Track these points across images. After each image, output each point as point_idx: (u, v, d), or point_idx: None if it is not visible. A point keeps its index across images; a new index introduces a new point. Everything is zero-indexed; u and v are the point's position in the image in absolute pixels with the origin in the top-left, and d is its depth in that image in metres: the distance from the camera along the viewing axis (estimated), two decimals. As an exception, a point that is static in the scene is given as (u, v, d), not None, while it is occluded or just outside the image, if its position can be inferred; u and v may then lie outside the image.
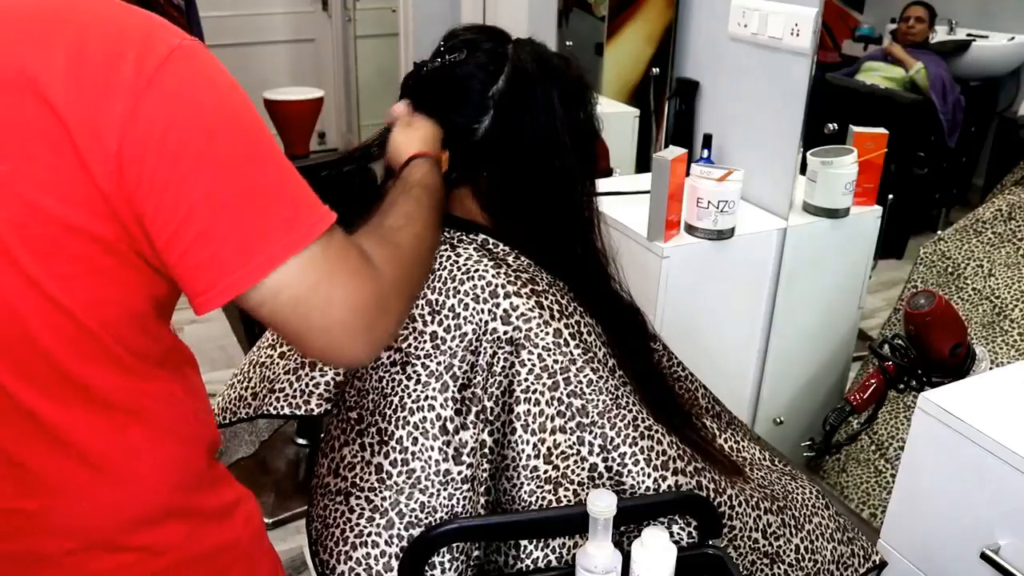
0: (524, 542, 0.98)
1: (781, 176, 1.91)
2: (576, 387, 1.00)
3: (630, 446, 1.01)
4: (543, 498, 0.98)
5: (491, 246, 1.06)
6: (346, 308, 0.69)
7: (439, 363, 1.00)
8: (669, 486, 1.02)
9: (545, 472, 0.98)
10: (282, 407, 1.10)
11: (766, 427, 2.04)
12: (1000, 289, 1.70)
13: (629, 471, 1.01)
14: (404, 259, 0.80)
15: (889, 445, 1.72)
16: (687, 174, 1.77)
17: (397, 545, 0.97)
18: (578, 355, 1.01)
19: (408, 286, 0.81)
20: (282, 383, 1.12)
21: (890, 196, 1.91)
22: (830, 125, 1.96)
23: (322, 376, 1.09)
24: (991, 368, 1.39)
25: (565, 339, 1.01)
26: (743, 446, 1.28)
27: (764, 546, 1.10)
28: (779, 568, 1.12)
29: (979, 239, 1.80)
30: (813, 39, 1.77)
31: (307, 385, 1.10)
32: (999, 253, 1.75)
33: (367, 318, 0.71)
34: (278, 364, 1.15)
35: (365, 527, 0.98)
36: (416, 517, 0.97)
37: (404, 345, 1.02)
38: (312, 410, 1.09)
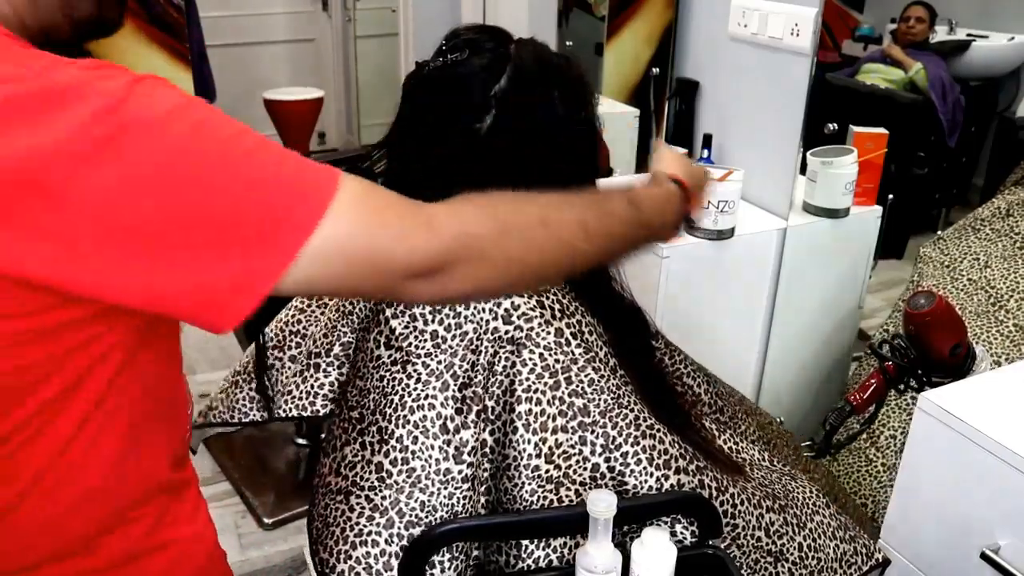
0: (525, 542, 0.98)
1: (781, 176, 1.91)
2: (578, 386, 1.00)
3: (632, 445, 1.01)
4: (544, 498, 0.98)
5: (492, 246, 1.06)
6: (391, 253, 0.65)
7: (440, 362, 1.00)
8: (672, 485, 1.02)
9: (547, 472, 0.98)
10: (290, 409, 1.11)
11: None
12: (996, 280, 1.71)
13: (631, 470, 1.01)
14: (491, 224, 0.71)
15: (880, 434, 1.72)
16: (687, 174, 1.77)
17: (397, 544, 0.97)
18: (579, 354, 1.01)
19: (495, 247, 0.71)
20: (289, 386, 1.13)
21: (890, 196, 1.91)
22: (830, 125, 1.97)
23: (326, 377, 1.11)
24: (991, 367, 1.39)
25: (567, 338, 1.01)
26: (743, 446, 1.28)
27: (767, 544, 1.10)
28: (783, 566, 1.12)
29: (977, 236, 1.80)
30: (813, 39, 1.77)
31: (312, 387, 1.11)
32: (996, 247, 1.75)
33: (422, 266, 0.66)
34: (288, 368, 1.16)
35: (365, 526, 0.98)
36: (416, 516, 0.97)
37: (405, 344, 1.02)
38: (318, 411, 1.10)
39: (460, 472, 0.98)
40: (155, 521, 0.79)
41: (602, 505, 0.88)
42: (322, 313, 1.19)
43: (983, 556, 1.09)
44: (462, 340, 1.00)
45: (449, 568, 0.97)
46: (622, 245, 0.85)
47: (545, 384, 0.99)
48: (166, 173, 0.58)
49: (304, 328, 1.20)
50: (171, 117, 0.60)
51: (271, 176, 0.62)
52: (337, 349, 1.14)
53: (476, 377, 0.99)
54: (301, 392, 1.12)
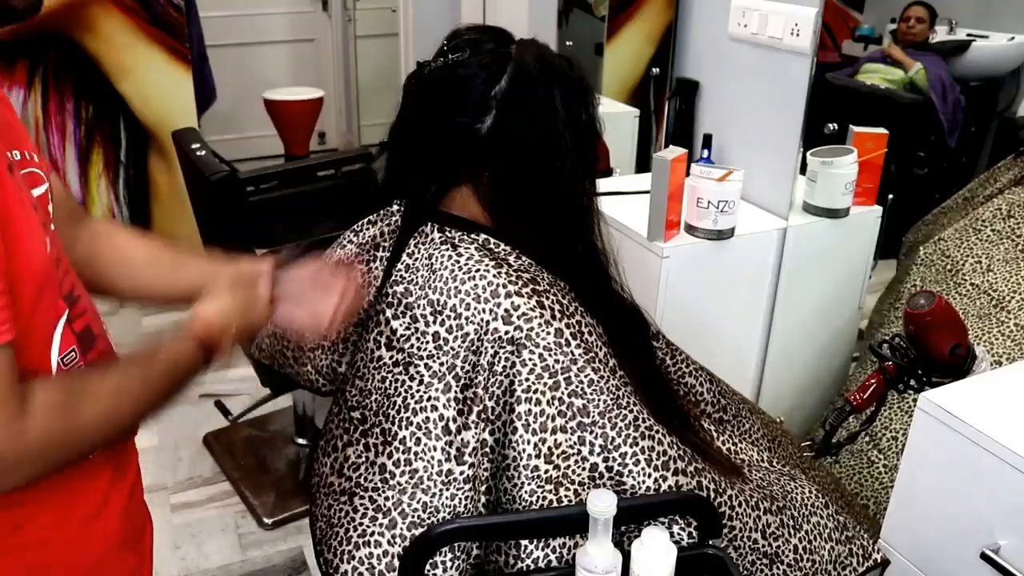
0: (524, 542, 0.98)
1: (781, 176, 1.91)
2: (577, 387, 1.00)
3: (631, 446, 1.01)
4: (544, 498, 0.98)
5: (492, 246, 1.06)
6: None
7: (442, 363, 1.00)
8: (670, 486, 1.02)
9: (546, 472, 0.98)
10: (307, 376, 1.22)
11: (766, 427, 2.04)
12: (998, 283, 1.71)
13: (630, 471, 1.01)
14: (69, 426, 0.76)
15: (882, 436, 1.72)
16: (687, 174, 1.77)
17: (399, 545, 0.97)
18: (579, 355, 1.01)
19: (62, 454, 0.77)
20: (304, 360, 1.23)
21: (890, 196, 1.91)
22: (830, 125, 1.97)
23: (325, 359, 1.19)
24: (991, 367, 1.39)
25: (566, 339, 1.01)
26: (742, 447, 1.28)
27: (763, 546, 1.10)
28: (778, 568, 1.12)
29: (978, 237, 1.80)
30: (813, 39, 1.77)
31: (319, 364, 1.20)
32: (998, 250, 1.75)
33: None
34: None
35: (368, 527, 0.98)
36: (419, 517, 0.97)
37: (406, 346, 1.02)
38: (320, 388, 1.21)
39: (462, 473, 0.98)
40: (17, 521, 0.79)
41: (602, 505, 0.88)
42: None
43: (983, 556, 1.09)
44: (463, 341, 1.00)
45: (450, 567, 0.97)
46: (158, 397, 0.88)
47: (545, 384, 0.99)
48: None
49: None
50: None
51: None
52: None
53: (477, 378, 0.99)
54: (310, 368, 1.20)
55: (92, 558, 0.86)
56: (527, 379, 0.99)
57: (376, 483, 0.99)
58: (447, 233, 1.07)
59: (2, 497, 0.77)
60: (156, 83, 3.28)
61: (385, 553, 0.97)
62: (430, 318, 1.02)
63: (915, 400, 1.20)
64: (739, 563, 1.08)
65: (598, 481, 1.00)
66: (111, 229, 1.04)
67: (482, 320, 1.00)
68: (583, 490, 0.99)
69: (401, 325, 1.03)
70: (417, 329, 1.02)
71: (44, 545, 0.82)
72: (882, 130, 1.87)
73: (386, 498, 0.98)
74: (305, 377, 1.22)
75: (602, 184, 1.63)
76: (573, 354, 1.01)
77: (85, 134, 3.31)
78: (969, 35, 2.00)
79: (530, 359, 0.99)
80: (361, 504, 1.00)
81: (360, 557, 0.97)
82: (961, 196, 1.93)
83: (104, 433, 0.82)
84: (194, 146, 2.14)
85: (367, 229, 1.17)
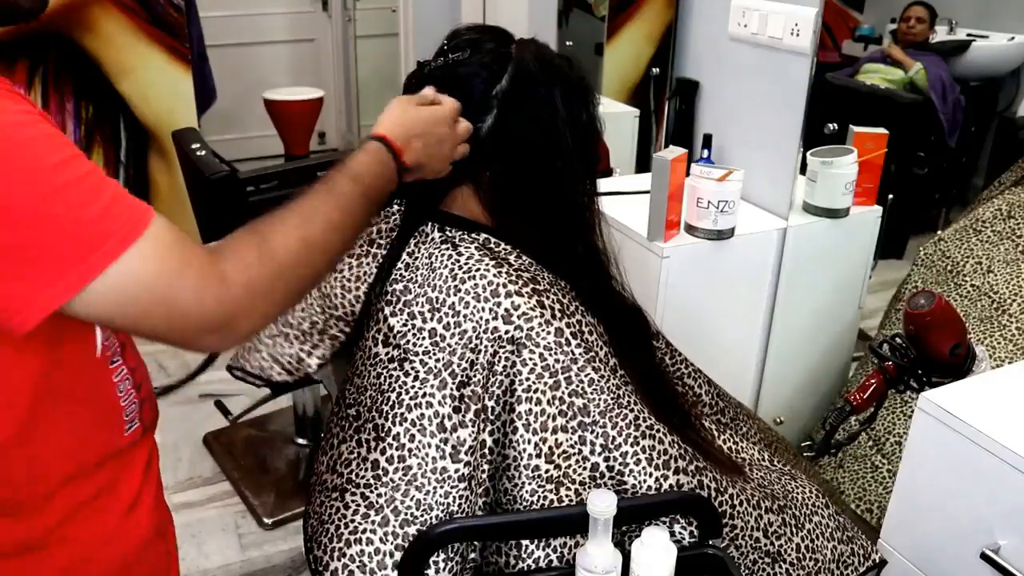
0: (525, 542, 0.98)
1: (781, 176, 1.91)
2: (577, 386, 1.00)
3: (632, 445, 1.01)
4: (544, 498, 0.98)
5: (492, 245, 1.06)
6: (180, 316, 0.70)
7: (438, 360, 1.00)
8: (671, 485, 1.02)
9: (546, 472, 0.98)
10: (256, 368, 1.19)
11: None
12: (999, 285, 1.71)
13: (631, 470, 1.01)
14: (269, 266, 0.76)
15: (886, 440, 1.72)
16: (687, 174, 1.77)
17: (391, 543, 0.97)
18: (579, 354, 1.01)
19: (275, 295, 0.77)
20: (260, 347, 1.20)
21: (890, 196, 1.91)
22: (830, 125, 1.97)
23: (289, 348, 1.15)
24: (991, 367, 1.39)
25: (566, 338, 1.01)
26: (743, 447, 1.28)
27: (765, 545, 1.10)
28: (780, 567, 1.12)
29: (978, 238, 1.80)
30: (813, 39, 1.77)
31: (274, 353, 1.16)
32: (998, 250, 1.76)
33: (208, 323, 0.71)
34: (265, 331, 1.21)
35: (360, 524, 0.98)
36: (412, 515, 0.97)
37: (403, 342, 1.02)
38: (271, 376, 1.15)
39: (457, 471, 0.98)
40: (59, 517, 0.80)
41: (602, 505, 0.88)
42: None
43: (983, 556, 1.09)
44: (461, 338, 1.00)
45: (443, 569, 0.97)
46: (361, 221, 0.89)
47: (545, 384, 0.99)
48: None
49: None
50: None
51: (75, 210, 0.66)
52: (306, 326, 1.15)
53: (475, 376, 0.99)
54: (265, 355, 1.16)
55: (130, 549, 0.87)
56: (527, 379, 0.99)
57: (368, 479, 0.99)
58: (447, 232, 1.07)
59: (42, 495, 0.77)
60: (156, 83, 3.28)
61: (377, 551, 0.96)
62: (428, 315, 1.02)
63: (916, 401, 1.20)
64: (741, 562, 1.08)
65: (599, 481, 1.00)
66: None
67: (481, 319, 1.00)
68: (584, 490, 0.99)
69: (398, 322, 1.03)
70: (414, 325, 1.02)
71: (83, 539, 0.82)
72: (882, 130, 1.87)
73: (378, 495, 0.98)
74: (255, 364, 1.20)
75: (602, 184, 1.62)
76: (573, 353, 1.01)
77: (85, 134, 3.31)
78: (969, 35, 2.01)
79: (530, 358, 0.99)
80: (353, 501, 0.99)
81: (351, 555, 0.97)
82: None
83: (307, 257, 0.79)
84: (194, 146, 2.14)
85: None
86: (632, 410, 1.03)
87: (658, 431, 1.04)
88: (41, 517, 0.79)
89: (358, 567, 0.97)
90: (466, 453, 0.98)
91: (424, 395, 0.99)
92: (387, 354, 1.03)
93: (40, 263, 0.65)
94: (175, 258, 0.69)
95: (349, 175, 0.87)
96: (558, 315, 1.02)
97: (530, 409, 0.98)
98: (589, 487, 0.99)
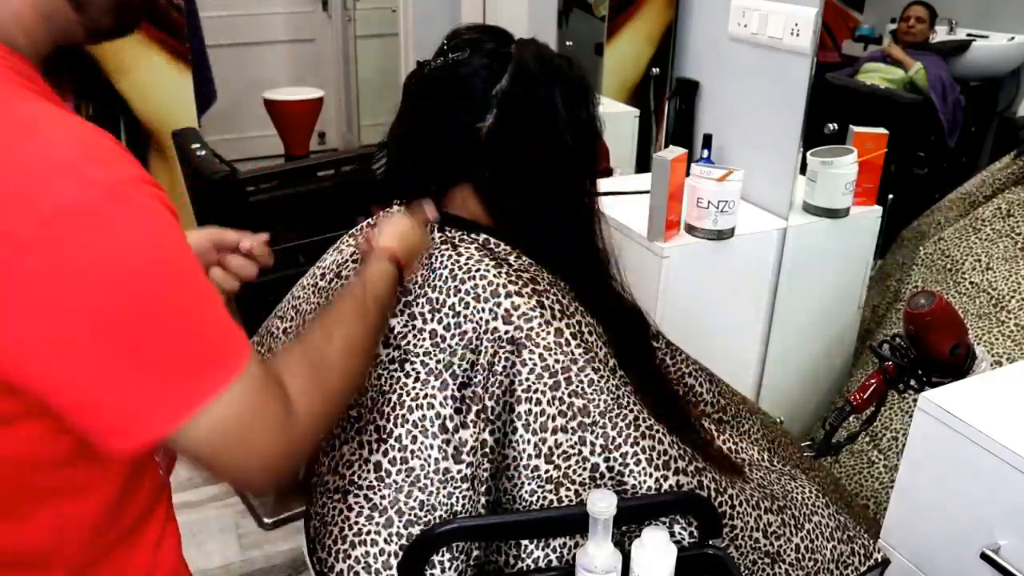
0: (525, 542, 0.98)
1: (781, 176, 1.91)
2: (577, 387, 1.00)
3: (631, 446, 1.01)
4: (544, 498, 0.98)
5: (492, 246, 1.06)
6: (257, 456, 0.69)
7: (438, 361, 1.00)
8: (671, 485, 1.02)
9: (546, 472, 0.98)
10: None
11: (766, 427, 2.04)
12: (998, 282, 1.71)
13: (631, 471, 1.01)
14: (326, 398, 0.77)
15: (882, 436, 1.72)
16: (687, 174, 1.77)
17: (396, 544, 0.97)
18: (579, 355, 1.01)
19: (326, 423, 0.80)
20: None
21: (890, 196, 1.91)
22: (830, 125, 1.97)
23: None
24: (991, 367, 1.39)
25: (566, 339, 1.01)
26: (743, 447, 1.28)
27: (765, 545, 1.10)
28: (780, 568, 1.12)
29: (978, 236, 1.80)
30: (813, 39, 1.77)
31: None
32: (997, 248, 1.76)
33: (276, 464, 0.71)
34: (280, 340, 1.21)
35: (364, 525, 0.98)
36: (415, 515, 0.97)
37: (403, 343, 1.02)
38: None
39: (459, 472, 0.98)
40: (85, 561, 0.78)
41: (602, 505, 0.88)
42: (316, 297, 1.19)
43: (983, 556, 1.09)
44: (461, 339, 1.00)
45: (450, 568, 0.97)
46: (377, 335, 0.93)
47: (545, 384, 0.99)
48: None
49: (306, 306, 1.20)
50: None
51: (196, 333, 0.65)
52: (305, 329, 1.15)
53: (476, 377, 0.99)
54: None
55: None
56: (527, 379, 0.99)
57: (371, 481, 0.99)
58: (447, 233, 1.07)
59: (81, 546, 0.75)
60: (156, 83, 3.28)
61: (381, 552, 0.97)
62: (428, 316, 1.02)
63: (915, 400, 1.20)
64: (740, 562, 1.08)
65: (599, 481, 1.00)
66: None
67: (481, 319, 1.00)
68: (584, 490, 0.99)
69: (399, 323, 1.03)
70: (414, 327, 1.02)
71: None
72: (882, 130, 1.87)
73: (382, 496, 0.98)
74: None
75: (602, 184, 1.62)
76: (573, 354, 1.01)
77: (85, 134, 3.31)
78: (969, 35, 2.01)
79: (530, 359, 0.99)
80: (356, 502, 0.99)
81: (356, 556, 0.97)
82: (956, 195, 1.93)
83: (351, 385, 0.84)
84: (194, 146, 2.14)
85: (366, 230, 1.17)
86: (632, 410, 1.03)
87: (658, 431, 1.04)
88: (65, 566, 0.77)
89: (363, 568, 0.97)
90: (468, 454, 0.98)
91: (425, 396, 0.99)
92: (388, 355, 1.03)
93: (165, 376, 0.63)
94: (264, 397, 0.69)
95: (376, 301, 0.91)
96: (558, 315, 1.02)
97: (530, 409, 0.99)
98: (589, 487, 0.99)
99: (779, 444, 1.35)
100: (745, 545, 1.08)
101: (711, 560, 1.01)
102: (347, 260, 1.17)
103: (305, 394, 0.73)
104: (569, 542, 0.98)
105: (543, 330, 1.00)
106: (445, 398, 0.99)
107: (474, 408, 0.98)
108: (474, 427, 0.98)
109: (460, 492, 0.97)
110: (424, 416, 0.98)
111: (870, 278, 2.01)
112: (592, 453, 1.00)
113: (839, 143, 1.88)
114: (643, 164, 2.42)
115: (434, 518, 0.97)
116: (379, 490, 0.99)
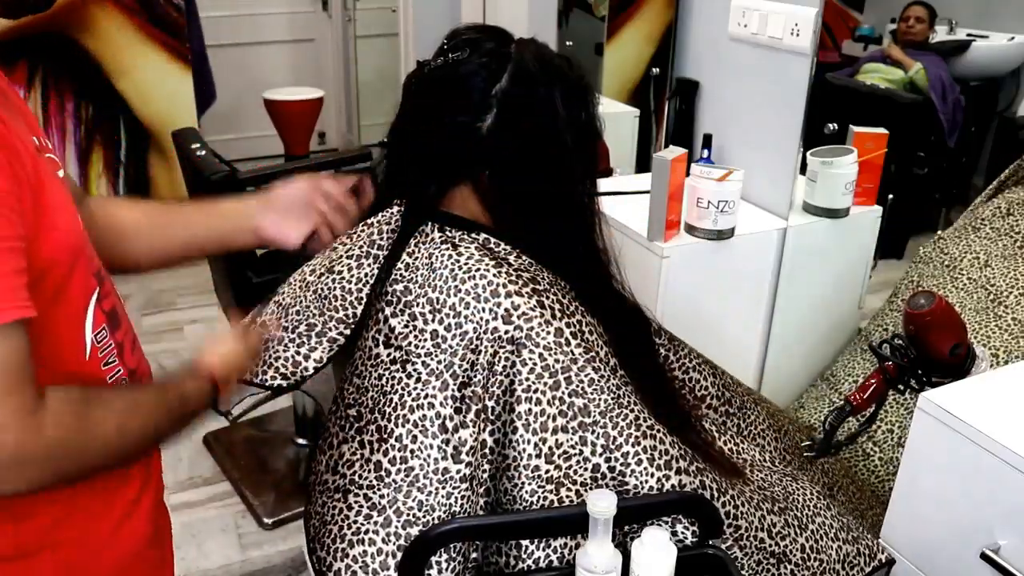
0: (525, 542, 0.98)
1: (781, 176, 1.91)
2: (578, 386, 1.00)
3: (632, 445, 1.01)
4: (544, 498, 0.98)
5: (492, 245, 1.06)
6: None
7: (439, 361, 1.00)
8: (673, 485, 1.02)
9: (547, 472, 0.98)
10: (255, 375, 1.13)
11: (766, 427, 2.04)
12: (996, 278, 1.71)
13: (632, 471, 1.01)
14: (79, 438, 0.74)
15: (878, 428, 1.72)
16: (687, 174, 1.77)
17: (394, 543, 0.97)
18: (579, 354, 1.01)
19: (74, 458, 0.75)
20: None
21: (890, 196, 1.91)
22: (830, 125, 1.97)
23: (285, 352, 1.10)
24: (991, 367, 1.39)
25: (566, 338, 1.01)
26: (743, 447, 1.28)
27: (771, 546, 1.10)
28: (785, 568, 1.12)
29: (977, 234, 1.80)
30: (813, 39, 1.77)
31: (270, 358, 1.10)
32: (996, 246, 1.76)
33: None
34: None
35: (363, 525, 0.98)
36: (414, 515, 0.97)
37: (404, 343, 1.02)
38: (265, 381, 1.09)
39: (459, 472, 0.98)
40: (51, 520, 0.80)
41: (602, 505, 0.88)
42: (302, 291, 1.17)
43: (983, 556, 1.09)
44: (462, 340, 1.00)
45: (446, 569, 0.97)
46: (168, 436, 0.90)
47: (545, 384, 0.99)
48: None
49: (288, 300, 1.18)
50: None
51: None
52: (303, 328, 1.12)
53: (476, 377, 0.99)
54: (262, 358, 1.12)
55: (123, 556, 0.87)
56: (527, 379, 0.99)
57: (371, 480, 0.99)
58: (447, 233, 1.07)
59: (32, 497, 0.75)
60: (156, 83, 3.29)
61: (380, 551, 0.97)
62: (428, 316, 1.02)
63: (914, 398, 1.20)
64: (745, 563, 1.08)
65: (600, 481, 1.00)
66: (105, 203, 1.07)
67: (481, 319, 1.00)
68: (584, 490, 0.99)
69: (399, 323, 1.03)
70: (415, 327, 1.02)
71: (78, 543, 0.82)
72: (882, 130, 1.87)
73: (381, 496, 0.98)
74: (269, 383, 1.18)
75: (602, 184, 1.62)
76: (573, 353, 1.01)
77: (85, 134, 3.31)
78: (969, 35, 2.00)
79: (530, 358, 0.99)
80: (355, 502, 0.99)
81: (354, 555, 0.97)
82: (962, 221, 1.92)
83: (112, 447, 0.79)
84: (194, 146, 2.14)
85: (363, 230, 1.16)
86: (633, 410, 1.03)
87: (659, 431, 1.04)
88: (33, 520, 0.79)
89: (360, 567, 0.97)
90: (467, 454, 0.98)
91: (426, 396, 0.99)
92: (389, 355, 1.03)
93: None
94: (10, 370, 0.67)
95: (180, 395, 0.89)
96: (558, 315, 1.02)
97: (530, 409, 0.99)
98: (590, 487, 0.99)
99: (785, 433, 1.35)
100: (750, 545, 1.08)
101: (712, 560, 1.01)
102: (341, 257, 1.15)
103: (65, 412, 0.72)
104: (569, 542, 0.98)
105: (543, 330, 1.00)
106: (445, 398, 0.99)
107: (474, 408, 0.98)
108: (474, 427, 0.98)
109: (459, 492, 0.97)
110: (424, 416, 0.98)
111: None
112: (593, 453, 1.00)
113: (839, 143, 1.88)
114: (643, 164, 2.42)
115: (433, 518, 0.97)
116: (379, 489, 0.99)
